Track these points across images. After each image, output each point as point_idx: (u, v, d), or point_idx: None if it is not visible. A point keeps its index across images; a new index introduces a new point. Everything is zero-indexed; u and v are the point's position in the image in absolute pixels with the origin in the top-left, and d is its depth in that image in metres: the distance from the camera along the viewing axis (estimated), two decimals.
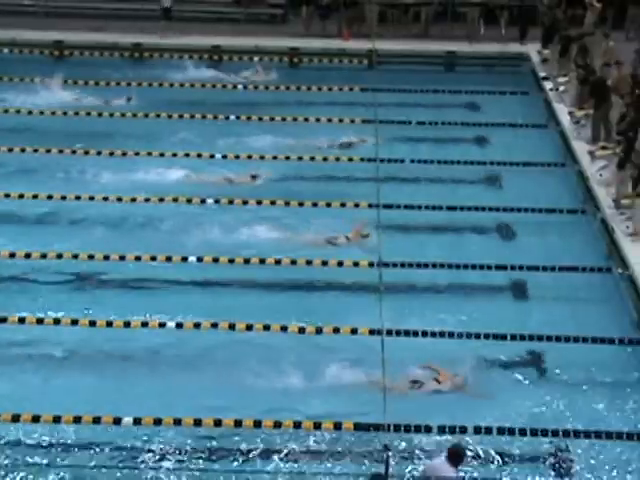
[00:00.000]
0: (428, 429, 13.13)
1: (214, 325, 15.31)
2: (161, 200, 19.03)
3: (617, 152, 19.35)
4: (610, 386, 14.24)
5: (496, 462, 12.89)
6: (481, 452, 12.95)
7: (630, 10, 28.35)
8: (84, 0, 30.07)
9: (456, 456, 11.19)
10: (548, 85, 24.79)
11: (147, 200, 19.04)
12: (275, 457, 12.92)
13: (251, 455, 12.95)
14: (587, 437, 13.04)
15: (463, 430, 13.12)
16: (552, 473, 12.78)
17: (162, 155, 21.12)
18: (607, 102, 20.90)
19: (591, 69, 23.00)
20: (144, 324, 15.37)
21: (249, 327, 15.25)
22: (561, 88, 24.05)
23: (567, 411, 13.70)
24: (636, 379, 14.34)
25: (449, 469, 11.12)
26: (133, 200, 19.02)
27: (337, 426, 13.18)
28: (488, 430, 13.11)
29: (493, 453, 12.96)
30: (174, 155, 21.16)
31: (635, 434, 13.10)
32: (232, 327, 15.26)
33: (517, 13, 28.76)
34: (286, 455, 12.95)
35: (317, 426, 13.19)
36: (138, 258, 17.07)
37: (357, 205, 19.03)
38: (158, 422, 13.17)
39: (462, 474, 11.24)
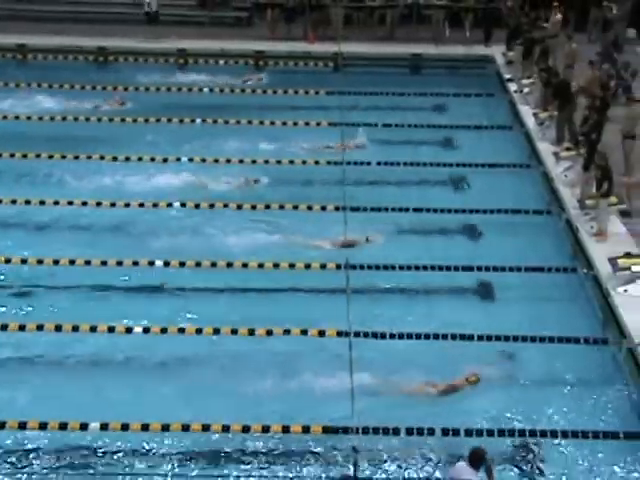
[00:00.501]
0: (396, 431, 13.16)
1: (181, 330, 15.26)
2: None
3: (581, 153, 19.51)
4: (576, 385, 14.33)
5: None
6: (449, 453, 13.01)
7: (592, 13, 28.64)
8: (47, 3, 29.98)
9: (477, 459, 11.27)
10: (513, 87, 24.95)
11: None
12: (244, 460, 12.90)
13: (221, 459, 12.92)
14: (554, 436, 13.12)
15: (431, 432, 13.16)
16: (520, 473, 12.85)
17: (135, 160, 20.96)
18: (571, 104, 21.08)
19: (554, 71, 23.21)
20: (110, 329, 15.30)
21: (216, 331, 15.22)
22: (525, 90, 24.22)
23: (534, 411, 13.76)
24: (601, 378, 14.43)
25: (470, 472, 11.23)
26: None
27: (305, 429, 13.17)
28: (456, 432, 13.16)
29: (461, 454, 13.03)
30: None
31: (601, 432, 13.19)
32: (199, 331, 15.23)
33: (481, 16, 28.97)
34: (255, 458, 12.93)
35: (286, 429, 13.18)
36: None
37: (324, 208, 19.06)
38: (125, 427, 13.12)
39: (480, 475, 11.30)
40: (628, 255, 16.34)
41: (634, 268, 15.96)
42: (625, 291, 15.81)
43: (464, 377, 14.19)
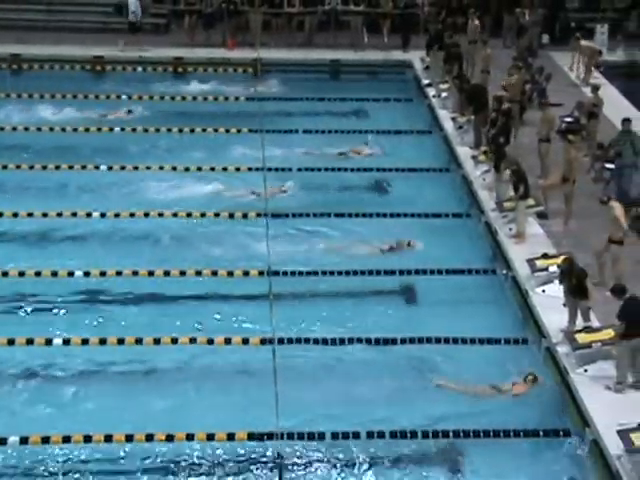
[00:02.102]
0: (321, 436, 13.24)
1: (102, 341, 15.15)
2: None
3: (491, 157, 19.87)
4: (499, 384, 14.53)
5: (389, 465, 13.09)
6: (374, 456, 13.15)
7: (506, 19, 29.15)
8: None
9: None
10: (431, 92, 25.26)
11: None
12: (168, 470, 12.87)
13: (144, 470, 12.86)
14: (477, 436, 13.32)
15: (356, 436, 13.28)
16: (446, 473, 13.02)
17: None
18: (486, 107, 21.45)
19: (465, 78, 23.59)
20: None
21: (138, 341, 15.14)
22: (443, 94, 24.53)
23: (458, 412, 13.93)
24: (523, 378, 14.66)
25: None
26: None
27: (230, 437, 13.18)
28: (381, 434, 13.30)
29: (386, 456, 13.16)
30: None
31: (525, 431, 13.42)
32: (121, 342, 15.13)
33: (399, 21, 29.24)
34: (179, 468, 12.90)
35: (210, 437, 13.17)
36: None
37: (245, 216, 19.08)
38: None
39: None
40: (545, 256, 16.67)
41: (551, 268, 16.27)
42: (543, 291, 16.13)
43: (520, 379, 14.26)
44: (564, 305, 15.03)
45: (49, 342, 15.10)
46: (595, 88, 21.92)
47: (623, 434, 12.40)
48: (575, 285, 14.63)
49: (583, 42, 26.36)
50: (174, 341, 15.16)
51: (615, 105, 23.60)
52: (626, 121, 19.39)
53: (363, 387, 14.44)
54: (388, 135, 23.33)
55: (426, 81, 26.00)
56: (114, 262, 17.29)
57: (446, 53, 25.05)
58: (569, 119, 22.29)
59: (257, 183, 19.51)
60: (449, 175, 21.41)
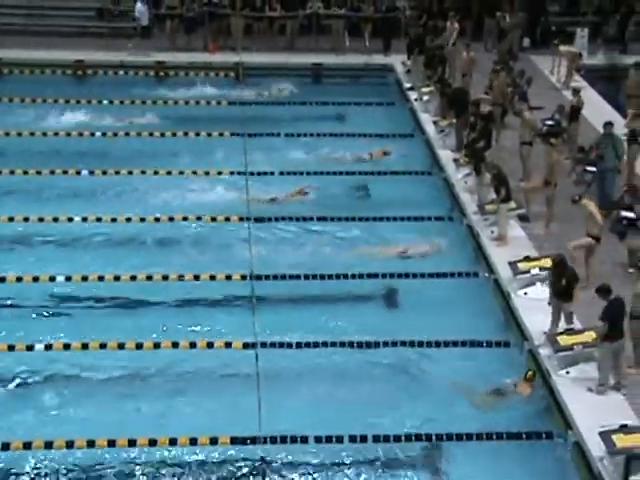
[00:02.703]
0: (304, 440, 13.23)
1: (84, 346, 15.09)
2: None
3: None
4: (482, 388, 14.52)
5: (373, 469, 13.09)
6: (357, 460, 13.14)
7: (486, 22, 29.22)
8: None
9: None
10: (413, 95, 25.30)
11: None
12: (150, 475, 12.85)
13: (127, 475, 12.83)
14: (459, 439, 13.35)
15: (340, 440, 13.27)
16: (429, 477, 13.04)
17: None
18: (468, 111, 21.51)
19: (447, 82, 23.64)
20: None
21: (121, 346, 15.09)
22: (425, 98, 24.57)
23: (441, 415, 13.92)
24: (504, 381, 14.66)
25: None
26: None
27: (213, 441, 13.14)
28: (363, 438, 13.29)
29: (369, 460, 13.17)
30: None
31: (508, 434, 13.47)
32: (103, 346, 15.08)
33: (380, 25, 29.28)
34: (162, 473, 12.87)
35: (193, 442, 13.13)
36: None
37: (227, 219, 19.06)
38: (28, 446, 12.95)
39: None
40: (527, 258, 16.72)
41: (533, 271, 16.33)
42: (525, 294, 16.18)
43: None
44: (549, 304, 15.03)
45: (30, 348, 15.04)
46: (576, 91, 22.03)
47: (605, 436, 12.45)
48: (564, 287, 14.65)
49: (562, 47, 26.49)
50: (156, 346, 15.11)
51: (596, 108, 23.76)
52: (608, 124, 19.44)
53: (346, 391, 14.44)
54: (370, 139, 23.34)
55: (408, 85, 26.04)
56: (97, 267, 17.24)
57: (427, 57, 25.10)
58: (550, 122, 22.37)
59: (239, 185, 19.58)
60: (431, 178, 21.44)
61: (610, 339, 13.52)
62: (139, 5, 28.16)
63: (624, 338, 13.65)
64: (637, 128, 20.20)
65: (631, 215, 18.28)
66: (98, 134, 23.08)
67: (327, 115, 25.13)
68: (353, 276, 17.21)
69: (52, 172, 20.86)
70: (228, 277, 17.00)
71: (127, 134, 23.13)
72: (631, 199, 18.66)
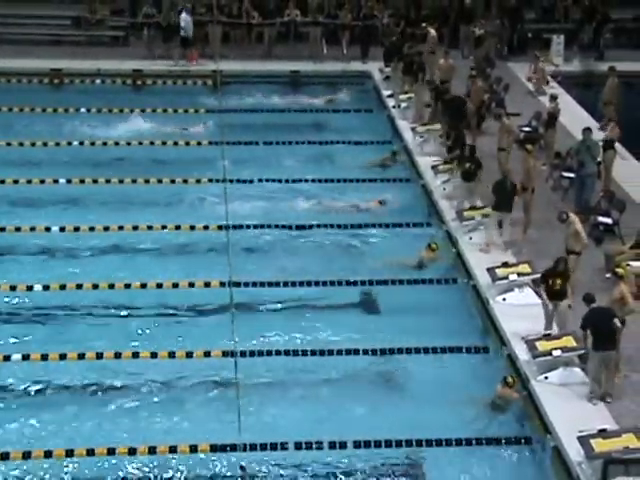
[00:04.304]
0: (284, 446, 13.24)
1: (62, 357, 15.03)
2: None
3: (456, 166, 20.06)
4: (461, 392, 14.59)
5: (353, 476, 13.12)
6: (338, 467, 13.16)
7: (462, 30, 29.39)
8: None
9: None
10: (391, 102, 25.37)
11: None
12: None
13: None
14: (438, 445, 13.40)
15: (319, 446, 13.29)
16: None
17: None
18: (464, 120, 21.63)
19: (442, 89, 23.58)
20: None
21: (99, 355, 15.06)
22: (403, 105, 24.67)
23: (420, 421, 13.95)
24: (484, 385, 14.73)
25: None
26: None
27: (193, 448, 13.14)
28: (343, 445, 13.31)
29: (350, 467, 13.19)
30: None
31: (487, 439, 13.54)
32: (81, 357, 15.04)
33: (358, 33, 29.38)
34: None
35: (173, 450, 13.11)
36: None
37: (206, 227, 19.07)
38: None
39: None
40: (506, 264, 16.81)
41: (511, 277, 16.42)
42: (504, 300, 16.26)
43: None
44: (546, 306, 14.99)
45: (7, 358, 15.00)
46: (553, 98, 22.19)
47: (584, 440, 12.52)
48: (561, 287, 14.73)
49: (540, 63, 26.61)
50: (135, 355, 15.08)
51: (572, 114, 23.92)
52: (587, 130, 19.55)
53: (326, 397, 14.46)
54: (348, 146, 23.40)
55: (387, 92, 26.09)
56: (69, 276, 17.21)
57: (405, 63, 25.15)
58: (527, 128, 22.53)
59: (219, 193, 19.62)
60: (409, 185, 21.50)
61: (596, 348, 13.52)
62: (184, 15, 27.92)
63: (615, 349, 13.59)
64: (614, 138, 20.33)
65: (608, 221, 18.45)
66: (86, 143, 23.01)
67: (305, 122, 25.14)
68: (332, 282, 17.23)
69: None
70: (207, 284, 17.00)
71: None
72: (607, 204, 18.80)
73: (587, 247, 16.24)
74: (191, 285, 17.04)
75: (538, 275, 16.34)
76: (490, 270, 16.72)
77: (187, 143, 23.27)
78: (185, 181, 21.16)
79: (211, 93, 26.34)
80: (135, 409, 14.14)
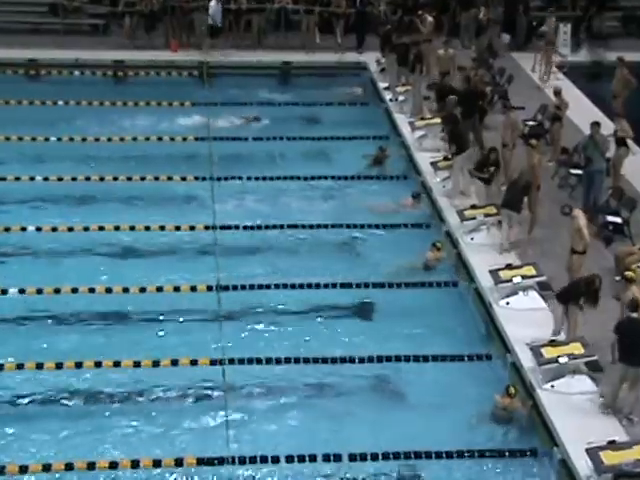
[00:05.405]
0: (275, 460, 13.24)
1: (39, 366, 15.01)
2: None
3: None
4: (462, 402, 14.62)
5: None
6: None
7: (462, 17, 29.34)
8: None
9: None
10: (388, 95, 25.33)
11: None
12: None
13: None
14: (439, 457, 13.41)
15: (313, 458, 13.29)
16: None
17: None
18: (475, 114, 21.61)
19: (447, 84, 23.52)
20: None
21: (78, 365, 15.04)
22: (400, 98, 24.64)
23: (419, 432, 13.96)
24: (487, 395, 14.74)
25: None
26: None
27: (178, 462, 13.13)
28: (337, 457, 13.32)
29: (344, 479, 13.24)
30: None
31: (490, 451, 13.58)
32: (59, 366, 15.02)
33: (353, 21, 29.30)
34: None
35: (157, 464, 13.11)
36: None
37: (192, 228, 19.06)
38: None
39: None
40: (509, 267, 16.80)
41: (515, 280, 16.42)
42: (507, 304, 16.26)
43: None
44: (555, 310, 15.09)
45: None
46: (556, 93, 22.10)
47: (592, 452, 12.53)
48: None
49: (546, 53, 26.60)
50: (117, 364, 15.08)
51: (579, 108, 23.85)
52: (595, 124, 19.50)
53: (319, 408, 14.47)
54: (343, 141, 23.39)
55: (384, 85, 26.02)
56: (54, 279, 17.20)
57: (400, 54, 24.99)
58: (532, 123, 22.52)
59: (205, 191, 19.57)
60: (407, 182, 21.50)
61: (623, 360, 13.43)
62: (213, 3, 27.86)
63: None
64: (626, 136, 20.27)
65: (617, 220, 18.45)
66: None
67: (297, 116, 25.12)
68: (327, 285, 17.22)
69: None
70: (193, 288, 17.00)
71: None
72: (617, 203, 18.81)
73: (589, 246, 16.19)
74: (176, 289, 17.02)
75: (543, 278, 16.45)
76: (493, 272, 16.71)
77: (172, 139, 23.25)
78: (171, 178, 21.17)
79: (198, 85, 26.34)
80: (117, 420, 14.12)
